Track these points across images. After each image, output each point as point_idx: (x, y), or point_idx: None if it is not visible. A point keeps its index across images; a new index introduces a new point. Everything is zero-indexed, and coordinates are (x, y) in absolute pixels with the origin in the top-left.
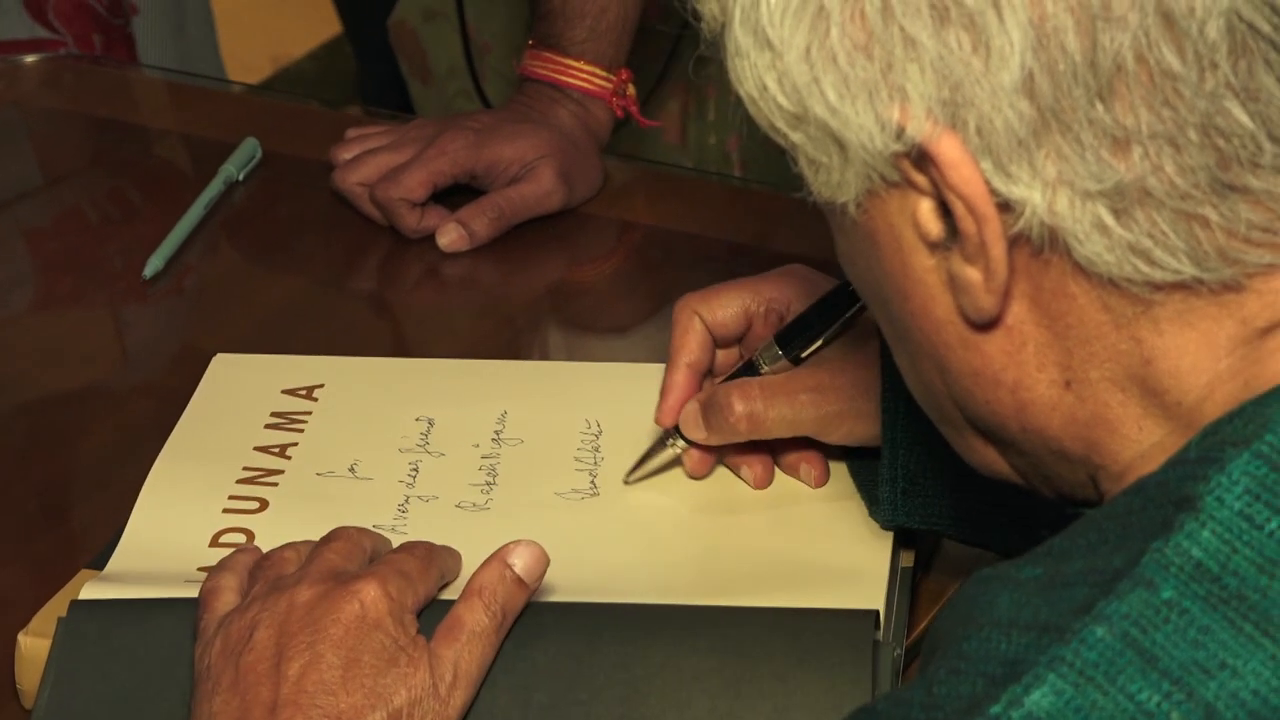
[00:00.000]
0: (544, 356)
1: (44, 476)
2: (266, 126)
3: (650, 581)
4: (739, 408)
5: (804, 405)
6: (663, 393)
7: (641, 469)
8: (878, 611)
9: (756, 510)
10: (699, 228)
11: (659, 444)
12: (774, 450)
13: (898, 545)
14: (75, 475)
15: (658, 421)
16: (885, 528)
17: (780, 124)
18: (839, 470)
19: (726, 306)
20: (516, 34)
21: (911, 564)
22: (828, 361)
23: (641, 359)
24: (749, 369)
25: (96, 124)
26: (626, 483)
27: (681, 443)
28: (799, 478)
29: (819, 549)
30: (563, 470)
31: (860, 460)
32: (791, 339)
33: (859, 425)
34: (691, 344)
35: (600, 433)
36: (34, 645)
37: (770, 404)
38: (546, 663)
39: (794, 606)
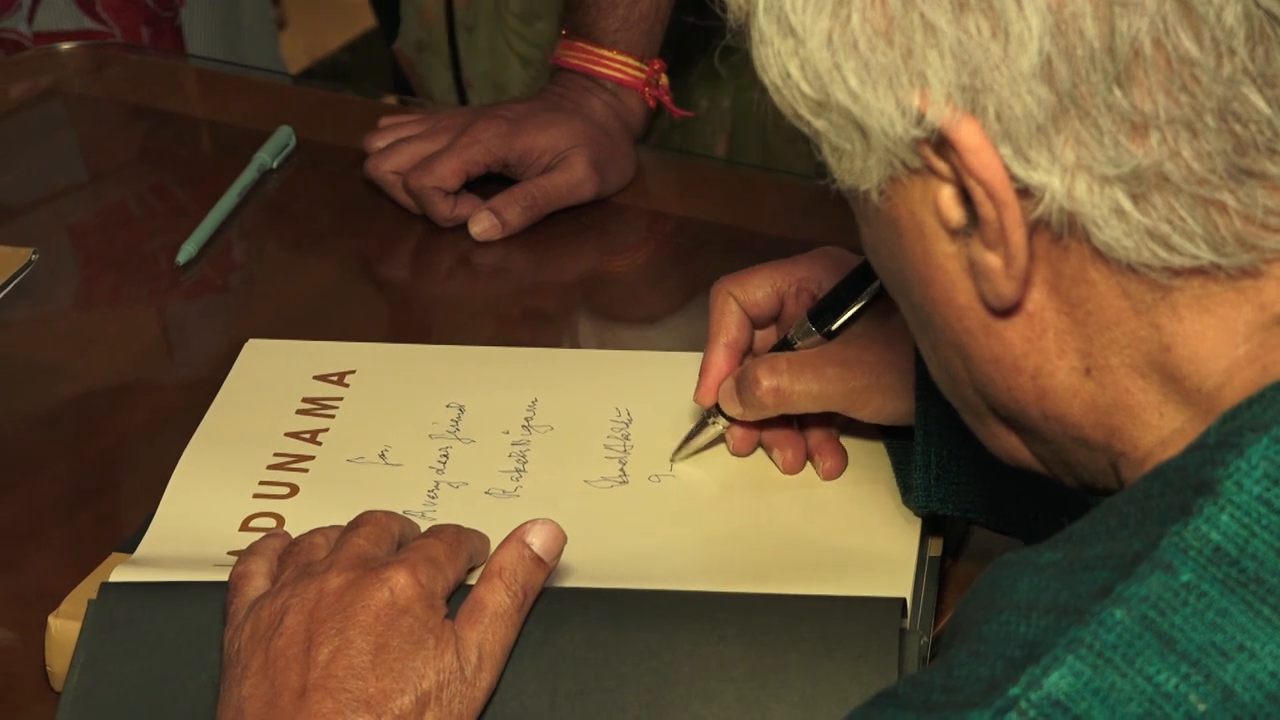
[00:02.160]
0: (575, 345)
1: (79, 461)
2: (302, 115)
3: (678, 568)
4: (765, 382)
5: (831, 380)
6: (701, 372)
7: (686, 448)
8: (905, 599)
9: (785, 498)
10: (730, 218)
11: (701, 423)
12: (806, 436)
13: (926, 533)
14: (109, 460)
15: (697, 400)
16: (918, 513)
17: (803, 111)
18: (867, 455)
19: (760, 287)
20: (498, 72)
21: (939, 553)
22: (857, 338)
23: (672, 348)
24: (784, 346)
25: (136, 113)
26: (673, 461)
27: (723, 421)
28: (814, 466)
29: (847, 537)
30: (592, 458)
31: (896, 443)
32: (822, 314)
33: (888, 401)
34: (729, 324)
35: (630, 421)
36: (64, 628)
37: (797, 378)
38: (573, 649)
39: (821, 594)
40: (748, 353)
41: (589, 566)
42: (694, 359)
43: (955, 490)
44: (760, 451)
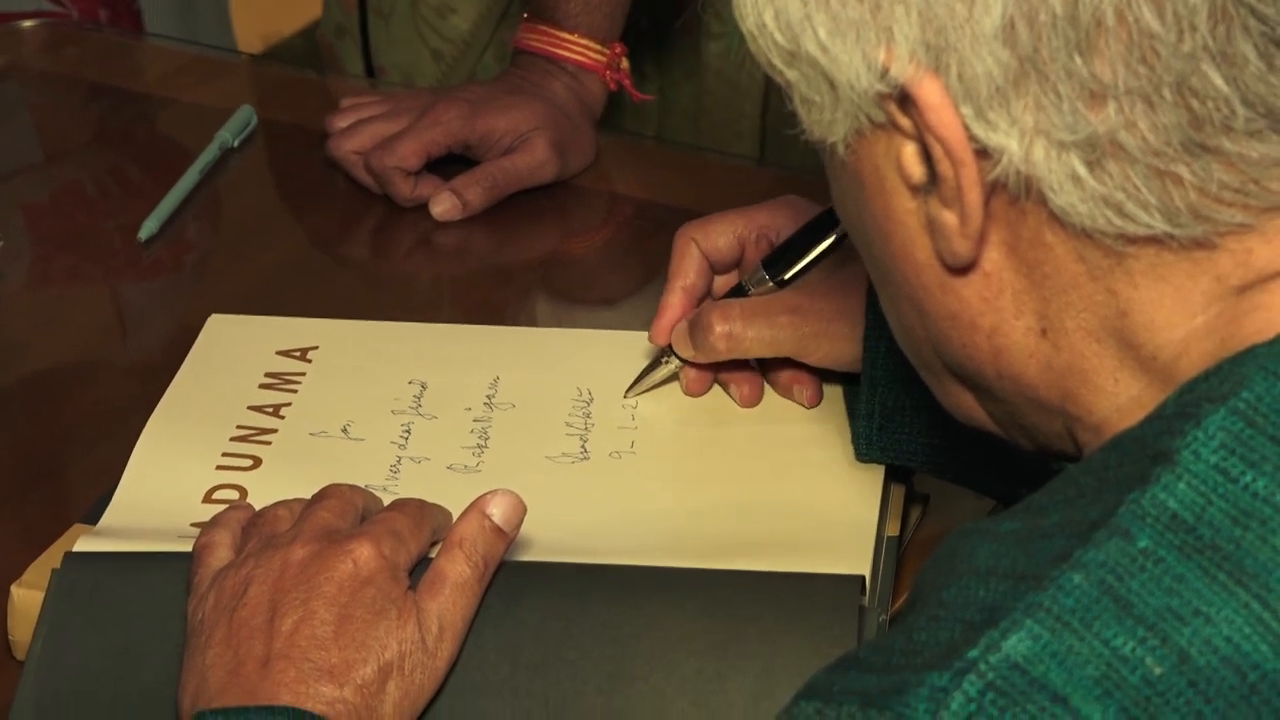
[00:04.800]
0: (534, 325)
1: (37, 439)
2: (263, 95)
3: (640, 543)
4: (718, 327)
5: (782, 326)
6: (658, 312)
7: (640, 384)
8: (864, 577)
9: (746, 476)
10: (690, 201)
11: (655, 362)
12: (769, 371)
13: (884, 513)
14: (69, 436)
15: (651, 339)
16: (860, 461)
17: (776, 61)
18: (829, 433)
19: (721, 233)
20: (410, 63)
21: (898, 532)
22: (810, 285)
23: (631, 329)
24: (738, 292)
25: (95, 91)
26: (626, 397)
27: (676, 361)
28: (793, 398)
29: (807, 517)
30: (554, 435)
31: (850, 389)
32: (776, 262)
33: (837, 347)
34: (687, 268)
35: (591, 400)
36: (27, 597)
37: (749, 324)
38: (535, 621)
39: (781, 571)
40: (705, 296)
41: (550, 541)
42: None
43: (896, 440)
44: (722, 428)
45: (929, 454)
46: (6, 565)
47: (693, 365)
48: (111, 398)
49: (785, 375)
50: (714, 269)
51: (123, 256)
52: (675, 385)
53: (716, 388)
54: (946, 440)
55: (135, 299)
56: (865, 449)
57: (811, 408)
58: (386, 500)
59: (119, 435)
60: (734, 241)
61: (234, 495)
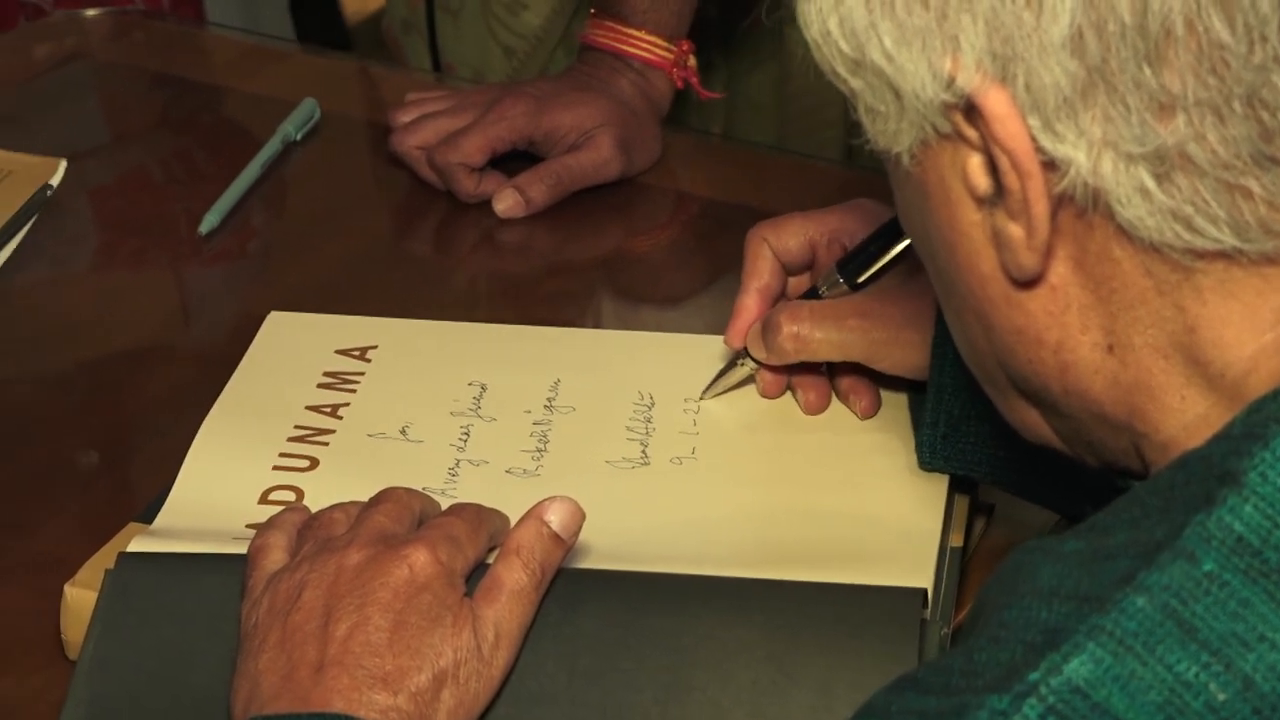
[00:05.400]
0: (597, 325)
1: (97, 430)
2: (328, 87)
3: (699, 552)
4: (787, 328)
5: (852, 330)
6: (734, 314)
7: (715, 386)
8: (926, 590)
9: (808, 484)
10: (756, 200)
11: (730, 363)
12: (833, 378)
13: (948, 524)
14: (128, 430)
15: (727, 341)
16: (924, 470)
17: (841, 69)
18: (893, 442)
19: (793, 235)
20: (480, 60)
21: (961, 544)
22: (882, 291)
23: (695, 331)
24: (811, 295)
25: (158, 80)
26: (702, 399)
27: (751, 363)
28: (849, 406)
29: (869, 527)
30: (614, 439)
31: (916, 398)
32: (849, 265)
33: (907, 354)
34: (761, 269)
35: (653, 404)
36: (80, 596)
37: (817, 326)
38: (592, 629)
39: (843, 583)
40: (779, 297)
41: (608, 547)
42: (719, 342)
43: (961, 450)
44: (785, 434)
45: (993, 465)
46: (63, 557)
47: (767, 368)
48: (173, 387)
49: (846, 382)
50: (786, 270)
51: (188, 244)
52: (741, 390)
53: (783, 395)
54: (1011, 452)
55: (198, 287)
56: (929, 458)
57: (864, 419)
58: (445, 504)
59: (179, 426)
60: (805, 244)
61: (290, 497)
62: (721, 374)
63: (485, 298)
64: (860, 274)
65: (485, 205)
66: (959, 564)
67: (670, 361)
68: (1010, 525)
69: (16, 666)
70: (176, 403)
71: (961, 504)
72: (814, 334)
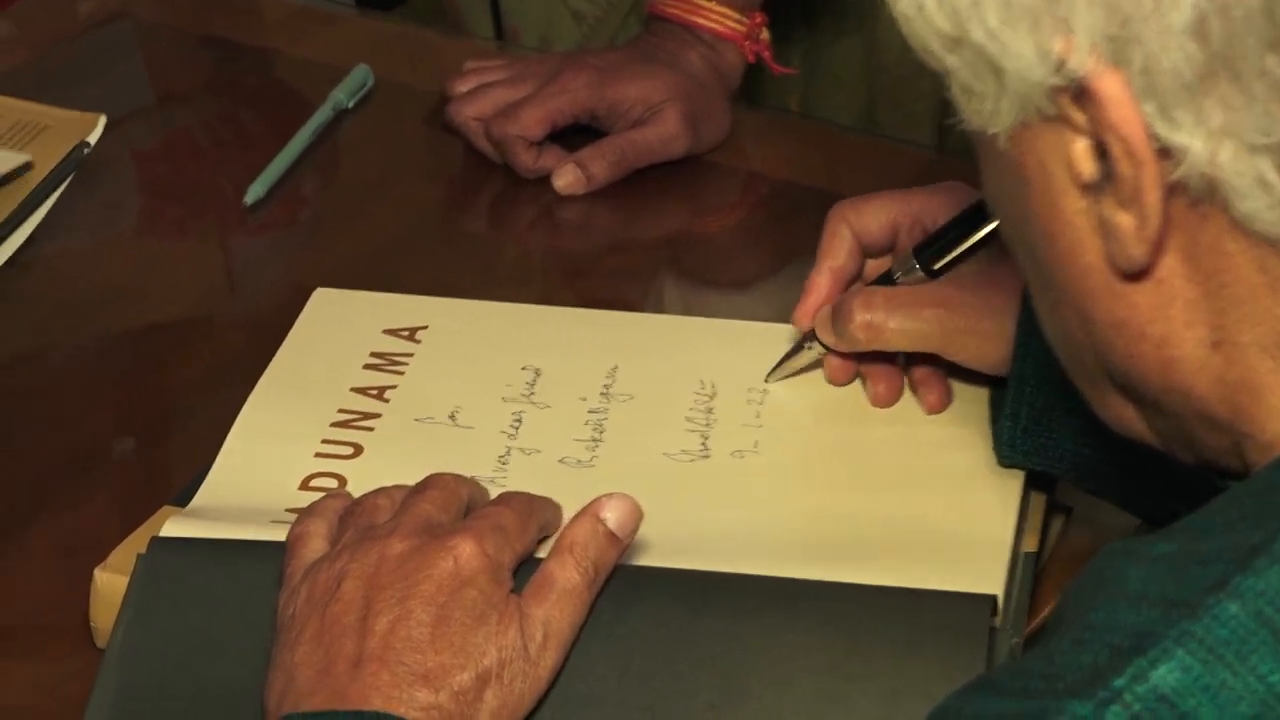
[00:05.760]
0: (659, 309)
1: (134, 408)
2: (382, 53)
3: (759, 550)
4: (859, 316)
5: (928, 320)
6: (804, 293)
7: (780, 369)
8: (996, 597)
9: (875, 482)
10: (832, 183)
11: (798, 346)
12: (906, 368)
13: (1022, 527)
14: (166, 408)
15: (794, 322)
16: (1002, 464)
17: (935, 46)
18: (965, 439)
19: (875, 216)
20: (547, 25)
21: (1035, 548)
22: (961, 278)
23: (762, 318)
24: (886, 280)
25: (209, 42)
26: (767, 382)
27: (819, 347)
28: (918, 399)
29: (938, 528)
30: (673, 430)
31: (996, 392)
32: (928, 251)
33: (984, 345)
34: (837, 248)
35: (714, 394)
36: (111, 581)
37: (892, 314)
38: (645, 629)
39: (908, 587)
40: (853, 280)
41: (665, 543)
42: (786, 331)
43: (1042, 444)
44: (852, 428)
45: (1075, 461)
46: (95, 541)
47: (836, 353)
48: (214, 363)
49: (918, 373)
50: (866, 252)
51: (233, 213)
52: (808, 380)
53: (851, 382)
54: (1095, 449)
55: (242, 260)
56: (1007, 452)
57: (932, 414)
58: (494, 493)
59: (220, 405)
60: (887, 225)
61: (333, 483)
62: (788, 356)
63: (541, 278)
64: (938, 260)
65: (544, 181)
66: (1032, 570)
67: (735, 350)
68: (1088, 529)
69: (43, 654)
70: (217, 380)
71: (1037, 506)
72: (888, 323)
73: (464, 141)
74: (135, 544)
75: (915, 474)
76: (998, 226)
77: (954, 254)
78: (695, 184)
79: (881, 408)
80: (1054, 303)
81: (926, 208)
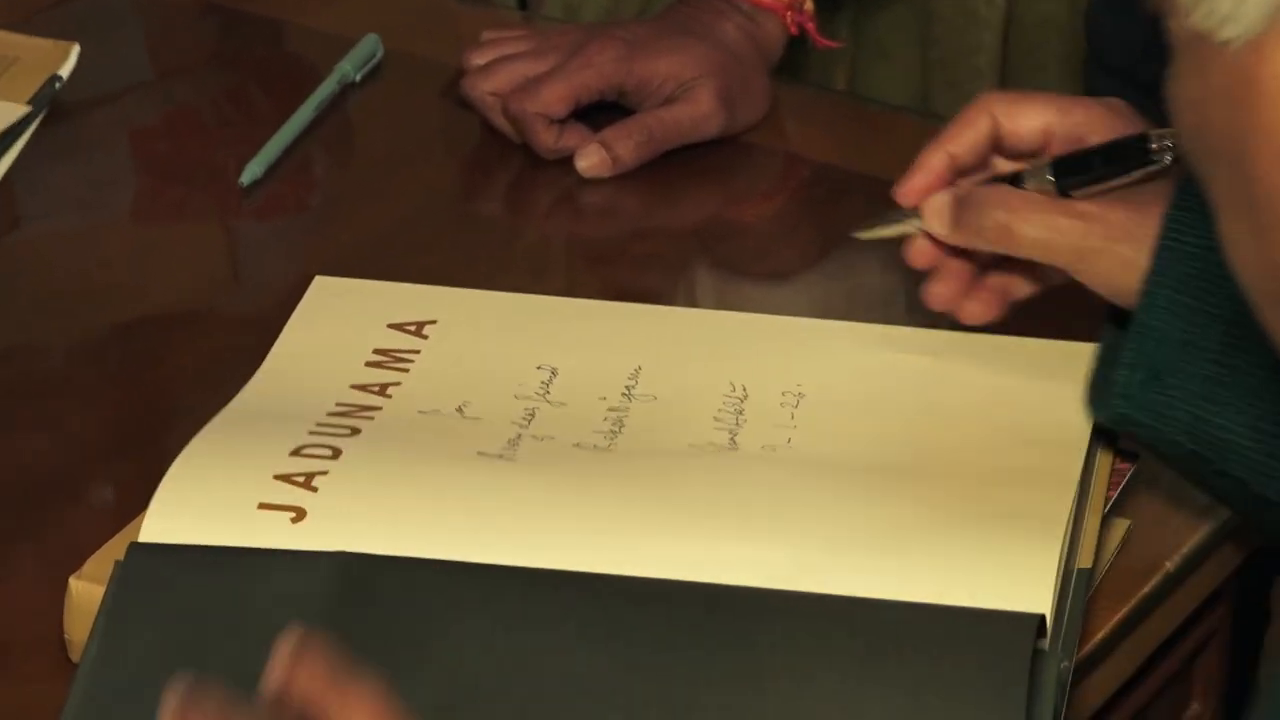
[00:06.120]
0: (689, 302)
1: (134, 396)
2: (391, 23)
3: (782, 555)
4: (995, 213)
5: (1063, 230)
6: (913, 168)
7: (875, 229)
8: (1043, 615)
9: (910, 487)
10: (876, 166)
11: (899, 216)
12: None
13: (1075, 540)
14: (158, 405)
15: (896, 196)
16: (1107, 421)
17: None
18: (1013, 446)
19: (1030, 118)
20: None
21: (1090, 564)
22: (1104, 192)
23: (800, 313)
24: (1013, 182)
25: (209, 10)
26: (855, 236)
27: (916, 223)
28: (961, 307)
29: (979, 538)
30: (700, 427)
31: (1114, 331)
32: (1070, 173)
33: (1114, 270)
34: (965, 137)
35: (746, 396)
36: (87, 591)
37: (1028, 220)
38: (648, 658)
39: (942, 604)
40: (965, 174)
41: (686, 543)
42: (828, 328)
43: (1162, 401)
44: (887, 425)
45: (1191, 427)
46: (76, 548)
47: (931, 239)
48: (211, 359)
49: (990, 280)
50: (1003, 153)
51: (235, 194)
52: (846, 382)
53: (886, 390)
54: (1219, 415)
55: (241, 246)
56: (1122, 403)
57: (968, 322)
58: (500, 471)
59: (215, 400)
60: (1040, 130)
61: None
62: (884, 221)
63: (561, 267)
64: (1079, 187)
65: (566, 162)
66: (1085, 587)
67: (770, 349)
68: (1149, 544)
69: (15, 673)
70: (213, 375)
71: (1092, 520)
72: (1023, 228)
73: (480, 119)
74: (114, 551)
75: (954, 480)
76: (1184, 140)
77: (1100, 188)
78: (730, 167)
79: (935, 309)
80: (1263, 228)
81: (1089, 122)
